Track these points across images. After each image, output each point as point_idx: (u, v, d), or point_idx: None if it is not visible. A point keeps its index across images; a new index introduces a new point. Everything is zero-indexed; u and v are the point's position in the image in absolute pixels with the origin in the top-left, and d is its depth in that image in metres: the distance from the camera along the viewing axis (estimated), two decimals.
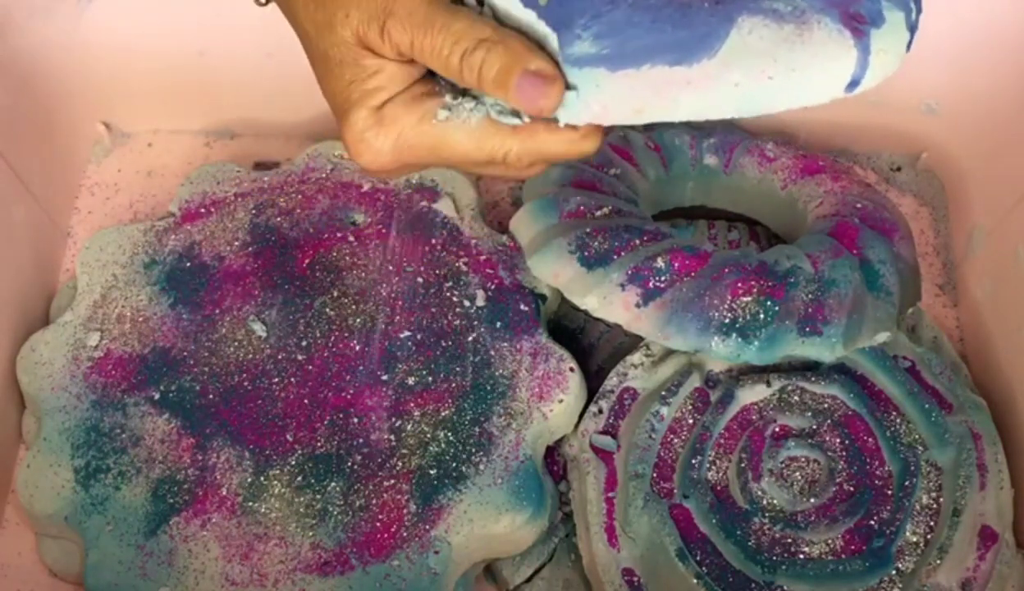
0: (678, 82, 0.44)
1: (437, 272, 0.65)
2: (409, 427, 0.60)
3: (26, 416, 0.65)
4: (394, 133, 0.42)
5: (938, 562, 0.56)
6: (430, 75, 0.45)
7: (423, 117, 0.43)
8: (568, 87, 0.44)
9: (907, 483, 0.58)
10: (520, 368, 0.62)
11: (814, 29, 0.44)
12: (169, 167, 0.76)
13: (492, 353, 0.62)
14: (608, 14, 0.44)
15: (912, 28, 0.47)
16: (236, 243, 0.67)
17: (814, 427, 0.60)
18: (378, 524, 0.57)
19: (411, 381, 0.61)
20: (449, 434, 0.60)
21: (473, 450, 0.59)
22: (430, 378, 0.61)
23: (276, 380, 0.62)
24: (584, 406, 0.62)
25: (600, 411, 0.62)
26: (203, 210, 0.68)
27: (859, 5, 0.45)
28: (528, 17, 0.45)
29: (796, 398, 0.61)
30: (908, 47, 0.47)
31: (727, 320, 0.58)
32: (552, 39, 0.44)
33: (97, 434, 0.60)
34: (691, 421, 0.61)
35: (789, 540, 0.57)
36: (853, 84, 0.45)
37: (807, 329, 0.58)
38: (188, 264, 0.66)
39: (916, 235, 0.67)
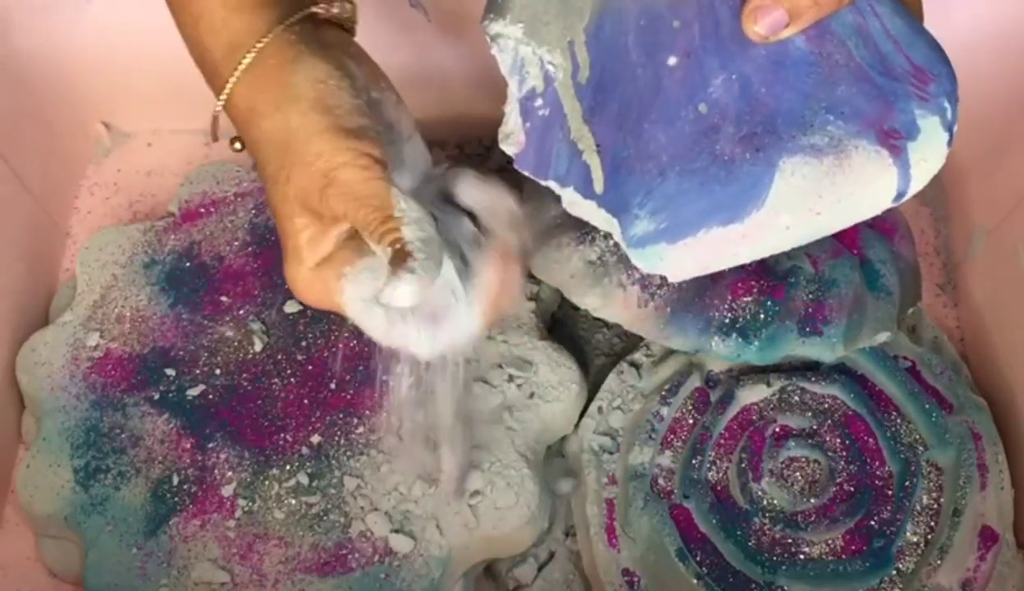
0: (734, 239, 0.46)
1: None
2: (409, 427, 0.60)
3: (26, 416, 0.65)
4: (317, 290, 0.49)
5: (938, 562, 0.56)
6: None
7: (337, 276, 0.50)
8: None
9: (907, 483, 0.58)
10: (521, 368, 0.61)
11: (852, 156, 0.45)
12: (169, 167, 0.76)
13: (492, 353, 0.62)
14: (659, 187, 0.46)
15: (950, 127, 0.47)
16: (236, 243, 0.67)
17: (814, 427, 0.60)
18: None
19: (411, 380, 0.61)
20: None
21: (473, 451, 0.59)
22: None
23: (276, 380, 0.62)
24: (584, 406, 0.62)
25: (600, 411, 0.62)
26: (203, 210, 0.68)
27: (893, 120, 0.46)
28: (590, 207, 0.47)
29: (796, 398, 0.61)
30: (950, 143, 0.47)
31: (727, 320, 0.58)
32: (615, 225, 0.47)
33: (97, 434, 0.60)
34: (691, 421, 0.61)
35: (789, 540, 0.57)
36: (900, 196, 0.47)
37: (807, 329, 0.58)
38: (188, 264, 0.66)
39: (916, 235, 0.67)
